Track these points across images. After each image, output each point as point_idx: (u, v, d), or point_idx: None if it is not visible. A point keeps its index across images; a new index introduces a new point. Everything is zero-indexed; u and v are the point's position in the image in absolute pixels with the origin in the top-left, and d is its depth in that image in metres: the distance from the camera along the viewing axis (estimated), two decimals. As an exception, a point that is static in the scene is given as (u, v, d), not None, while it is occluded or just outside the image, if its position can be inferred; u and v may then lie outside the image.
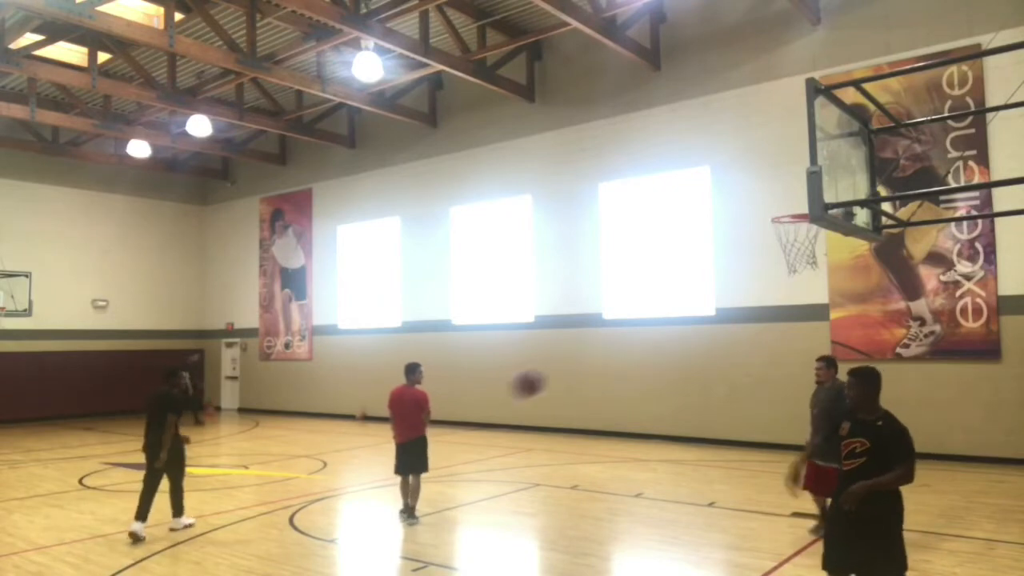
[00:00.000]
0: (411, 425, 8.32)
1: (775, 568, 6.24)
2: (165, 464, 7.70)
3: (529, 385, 7.71)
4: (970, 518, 7.79)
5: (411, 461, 8.23)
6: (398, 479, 8.36)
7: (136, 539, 7.32)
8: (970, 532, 7.19)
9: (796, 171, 10.58)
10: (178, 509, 7.91)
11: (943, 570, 6.08)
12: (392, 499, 9.50)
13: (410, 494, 8.20)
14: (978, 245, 11.26)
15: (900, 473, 4.29)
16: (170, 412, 7.74)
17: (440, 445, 14.46)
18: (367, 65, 13.84)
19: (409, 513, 8.16)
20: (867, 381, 4.80)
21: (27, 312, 19.06)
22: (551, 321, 15.92)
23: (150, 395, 8.01)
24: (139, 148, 19.26)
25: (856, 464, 4.46)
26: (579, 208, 15.62)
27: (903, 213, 11.27)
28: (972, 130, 11.27)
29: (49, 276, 20.50)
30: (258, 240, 22.82)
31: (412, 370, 8.49)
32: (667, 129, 14.44)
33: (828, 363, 7.44)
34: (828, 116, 5.12)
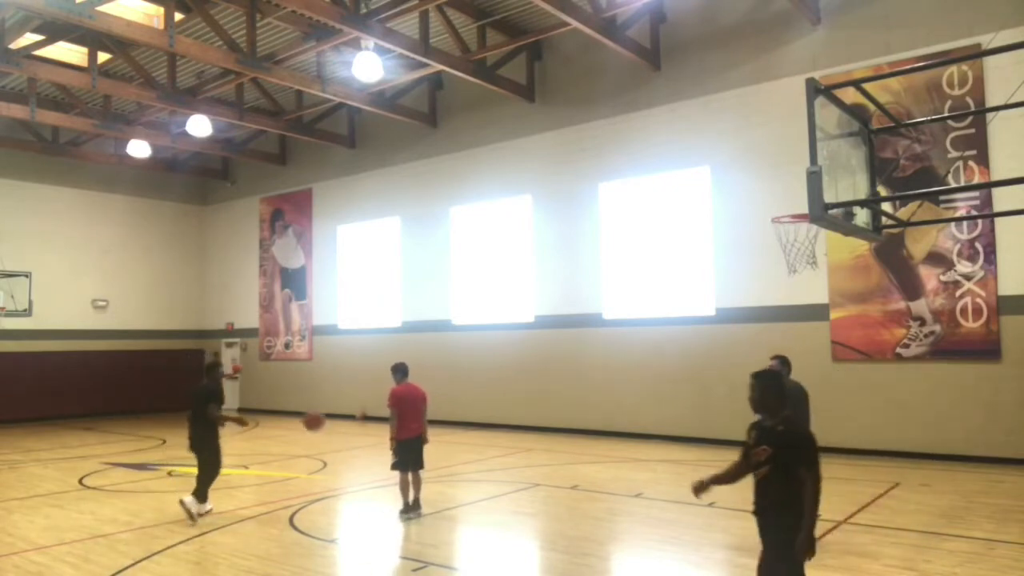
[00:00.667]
0: (419, 422, 8.57)
1: (775, 568, 6.22)
2: (199, 449, 8.37)
3: (314, 422, 8.95)
4: (970, 518, 7.78)
5: (416, 457, 8.41)
6: (397, 478, 8.40)
7: (191, 517, 7.96)
8: (970, 532, 7.18)
9: (796, 171, 10.59)
10: (202, 495, 8.29)
11: (943, 570, 6.08)
12: (392, 499, 9.49)
13: (416, 487, 8.39)
14: (978, 245, 11.26)
15: (813, 491, 3.98)
16: (211, 403, 8.38)
17: (440, 445, 14.46)
18: (367, 65, 13.84)
19: (415, 507, 8.33)
20: (765, 383, 4.58)
21: (27, 312, 19.06)
22: (551, 321, 15.92)
23: (193, 389, 8.61)
24: (139, 148, 19.27)
25: (762, 474, 4.19)
26: (579, 208, 15.62)
27: (903, 213, 11.27)
28: (972, 130, 11.27)
29: (49, 276, 20.50)
30: (258, 240, 22.82)
31: (406, 370, 8.80)
32: (667, 129, 14.44)
33: (781, 362, 6.91)
34: (828, 116, 5.13)
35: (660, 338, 14.27)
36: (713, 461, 11.84)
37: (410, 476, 8.33)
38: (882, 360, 11.96)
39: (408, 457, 8.32)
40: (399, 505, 8.35)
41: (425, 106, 18.17)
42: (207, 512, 8.31)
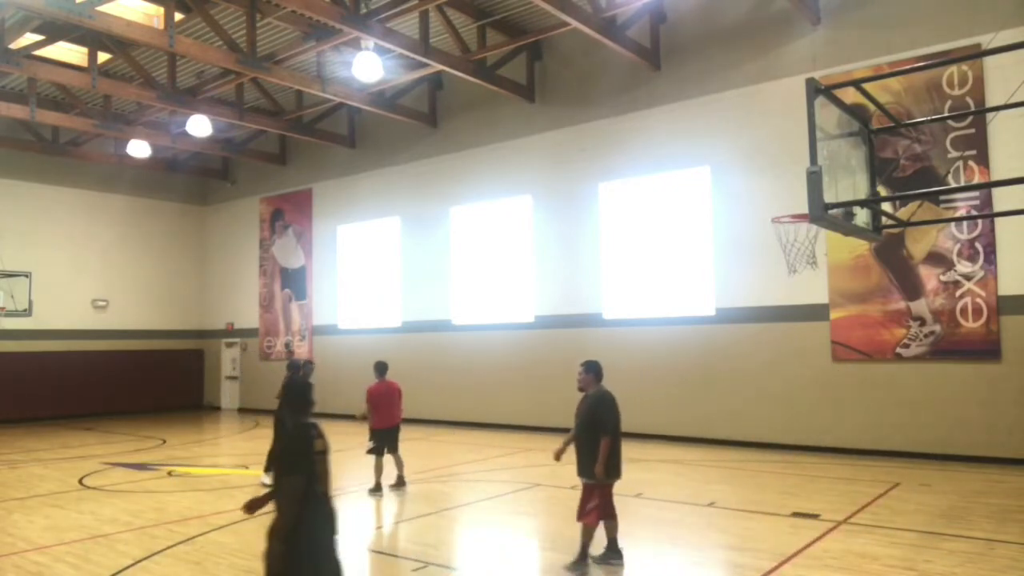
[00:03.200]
0: (395, 413, 9.81)
1: (775, 568, 6.23)
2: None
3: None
4: (970, 518, 7.78)
5: (391, 443, 9.74)
6: (396, 478, 9.22)
7: None
8: (970, 532, 7.18)
9: (796, 171, 10.61)
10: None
11: (943, 570, 6.08)
12: (392, 499, 9.51)
13: (398, 467, 9.75)
14: (978, 245, 11.25)
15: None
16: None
17: (440, 445, 14.48)
18: (367, 65, 13.84)
19: (399, 483, 9.67)
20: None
21: (27, 312, 19.06)
22: (551, 321, 15.92)
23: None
24: (139, 148, 19.26)
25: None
26: (579, 208, 15.62)
27: (903, 213, 11.27)
28: (972, 130, 11.27)
29: (49, 276, 20.49)
30: (258, 240, 22.82)
31: (385, 368, 9.97)
32: (667, 129, 14.44)
33: (588, 368, 6.43)
34: (828, 116, 5.12)
35: (660, 338, 14.27)
36: (713, 461, 11.85)
37: (391, 458, 9.63)
38: (882, 360, 11.96)
39: (382, 444, 9.60)
40: (399, 505, 8.36)
41: (425, 106, 18.17)
42: None
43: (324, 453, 4.51)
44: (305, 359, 14.34)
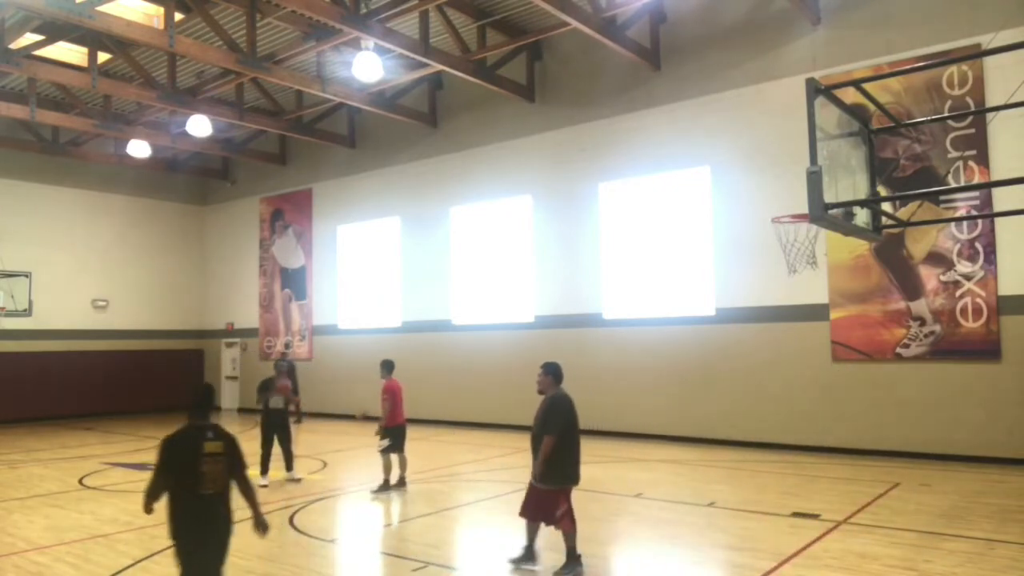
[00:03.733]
0: (402, 412, 9.95)
1: (775, 568, 6.24)
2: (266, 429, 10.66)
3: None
4: (970, 518, 7.78)
5: (402, 442, 9.86)
6: (398, 478, 9.31)
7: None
8: (970, 532, 7.18)
9: (796, 171, 10.61)
10: (288, 465, 10.67)
11: (943, 570, 6.08)
12: (393, 499, 9.51)
13: (402, 467, 9.82)
14: (978, 245, 11.25)
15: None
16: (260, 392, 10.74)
17: (440, 445, 14.48)
18: (367, 65, 13.84)
19: (400, 483, 9.74)
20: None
21: (27, 312, 19.06)
22: (551, 321, 15.92)
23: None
24: (139, 148, 19.26)
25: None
26: (579, 208, 15.62)
27: (903, 213, 11.27)
28: (972, 130, 11.27)
29: (49, 276, 20.50)
30: (258, 240, 22.82)
31: (393, 366, 10.10)
32: (667, 129, 14.44)
33: (546, 370, 6.44)
34: (828, 116, 5.12)
35: (660, 338, 14.26)
36: (713, 461, 11.85)
37: (396, 458, 9.75)
38: (882, 360, 11.96)
39: (397, 442, 9.73)
40: (399, 505, 8.36)
41: (425, 106, 18.17)
42: (300, 480, 10.69)
43: (216, 455, 4.43)
44: (279, 356, 14.83)
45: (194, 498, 4.34)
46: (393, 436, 9.67)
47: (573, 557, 6.22)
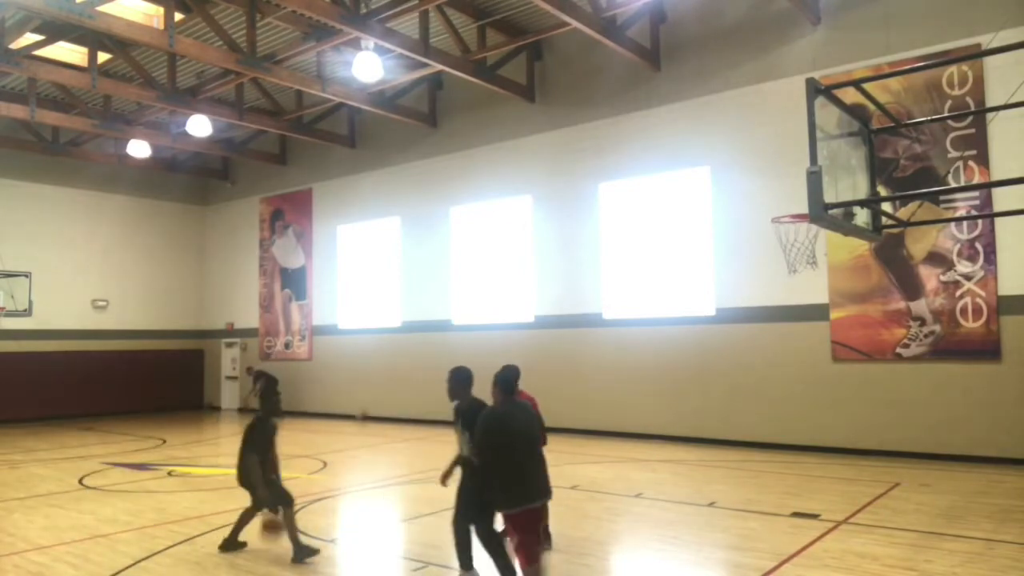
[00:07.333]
0: None
1: (775, 568, 6.23)
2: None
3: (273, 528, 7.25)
4: (970, 518, 7.78)
5: None
6: (396, 478, 8.45)
7: None
8: (970, 532, 7.18)
9: (796, 171, 10.60)
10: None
11: (943, 570, 6.08)
12: (392, 499, 9.51)
13: None
14: (978, 245, 11.26)
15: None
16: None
17: (440, 446, 14.46)
18: (367, 65, 13.84)
19: None
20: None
21: (27, 312, 19.05)
22: (551, 321, 15.92)
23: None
24: (139, 148, 19.26)
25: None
26: (579, 208, 15.62)
27: (903, 213, 11.27)
28: (972, 130, 11.27)
29: (49, 276, 20.49)
30: (258, 240, 22.82)
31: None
32: (667, 129, 14.44)
33: (496, 380, 5.87)
34: (828, 116, 5.12)
35: (660, 338, 14.27)
36: (713, 461, 11.85)
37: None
38: (882, 360, 11.96)
39: None
40: (399, 505, 8.34)
41: (425, 106, 18.17)
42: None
43: None
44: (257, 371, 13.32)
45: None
46: None
47: None
